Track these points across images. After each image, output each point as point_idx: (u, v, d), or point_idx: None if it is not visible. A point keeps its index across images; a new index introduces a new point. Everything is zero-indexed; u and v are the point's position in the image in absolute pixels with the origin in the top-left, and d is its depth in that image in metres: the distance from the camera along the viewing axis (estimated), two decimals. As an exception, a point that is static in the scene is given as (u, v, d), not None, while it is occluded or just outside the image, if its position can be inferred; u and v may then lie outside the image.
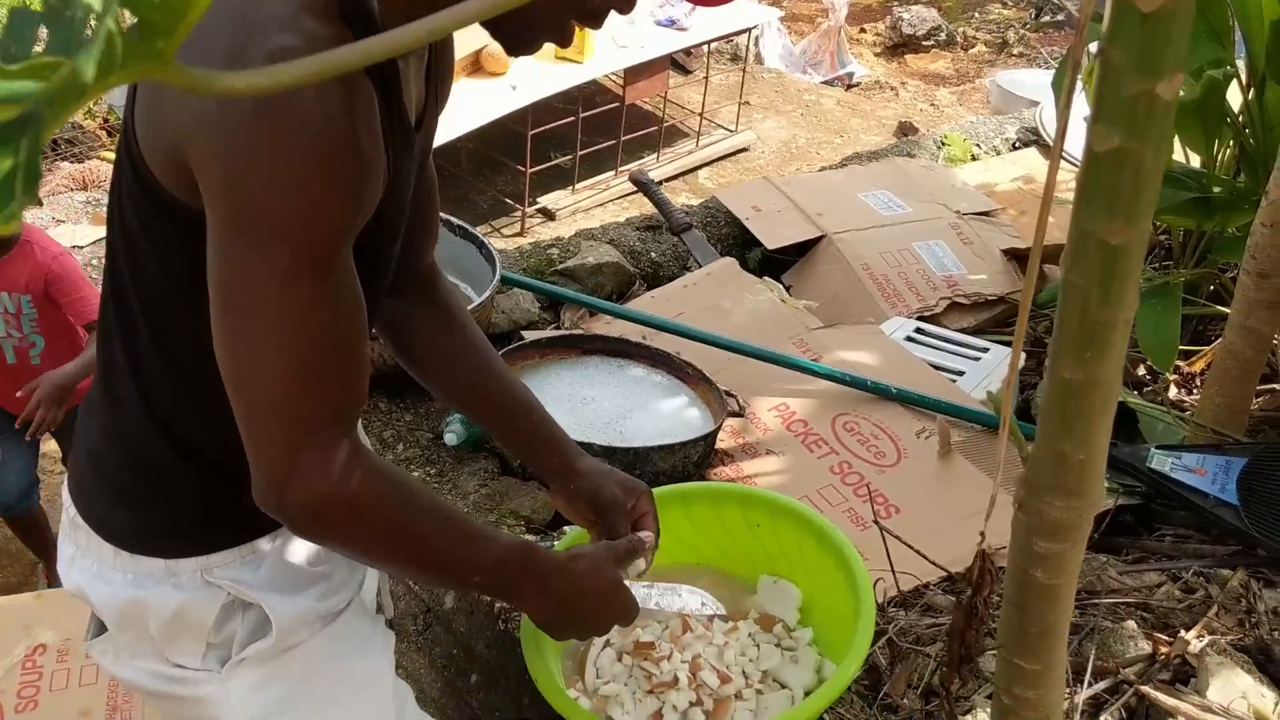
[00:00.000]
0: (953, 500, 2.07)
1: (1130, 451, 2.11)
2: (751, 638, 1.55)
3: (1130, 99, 0.87)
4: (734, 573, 1.67)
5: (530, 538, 1.94)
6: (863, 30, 8.87)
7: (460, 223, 2.53)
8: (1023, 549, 1.17)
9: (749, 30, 6.73)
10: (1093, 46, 2.12)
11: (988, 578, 1.13)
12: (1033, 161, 3.53)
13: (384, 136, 1.02)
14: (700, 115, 6.38)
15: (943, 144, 3.67)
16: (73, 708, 2.23)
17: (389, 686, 1.33)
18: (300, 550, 1.29)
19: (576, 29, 1.14)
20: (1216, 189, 2.60)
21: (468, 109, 4.98)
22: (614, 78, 5.90)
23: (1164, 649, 1.65)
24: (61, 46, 0.38)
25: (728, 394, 2.27)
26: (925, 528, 1.98)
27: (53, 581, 3.35)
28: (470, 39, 5.12)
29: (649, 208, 3.17)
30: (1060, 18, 8.91)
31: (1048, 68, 7.28)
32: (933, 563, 1.81)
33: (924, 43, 8.69)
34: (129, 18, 0.38)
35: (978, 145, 3.71)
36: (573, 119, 5.49)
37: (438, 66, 1.23)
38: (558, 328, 2.62)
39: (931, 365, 2.45)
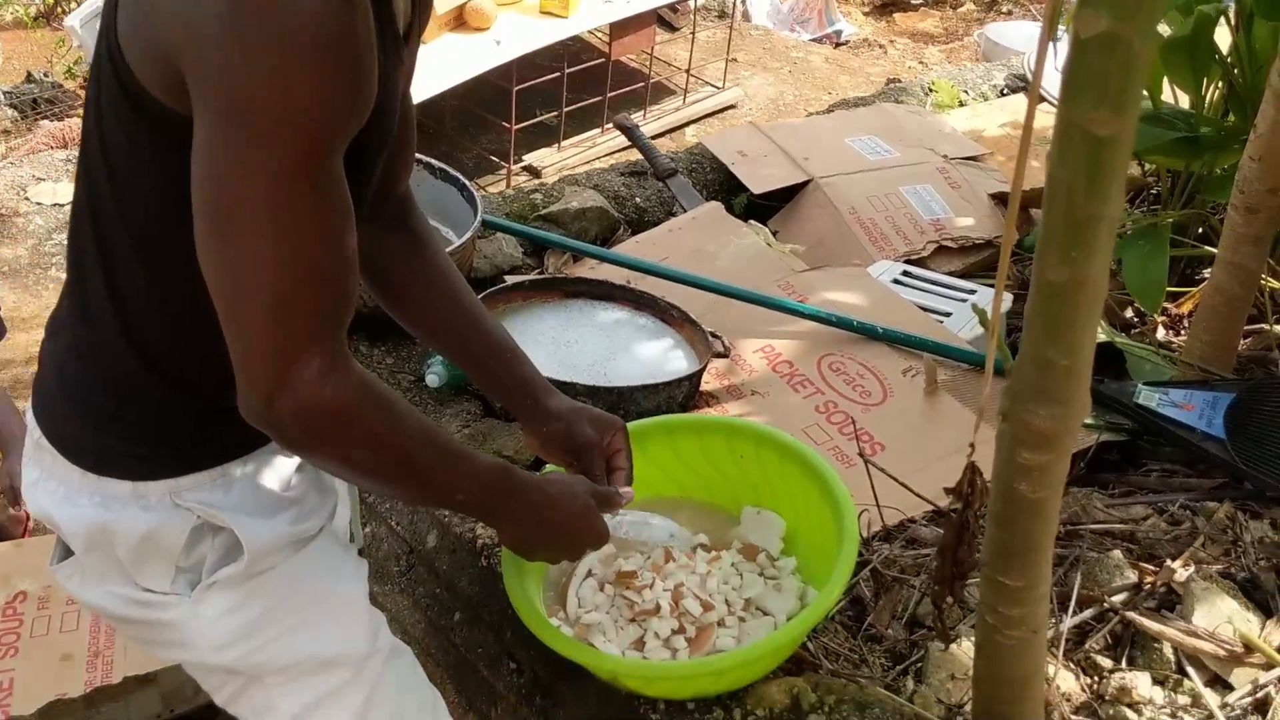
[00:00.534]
0: (939, 437, 2.06)
1: (1117, 387, 2.10)
2: (735, 567, 1.54)
3: (1117, -20, 0.85)
4: (718, 504, 1.66)
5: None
6: (851, -11, 8.80)
7: (441, 165, 2.49)
8: (1007, 461, 1.16)
9: (736, -14, 6.67)
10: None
11: (977, 490, 1.11)
12: (1020, 107, 3.49)
13: (375, 40, 0.99)
14: (687, 72, 6.32)
15: (930, 90, 3.63)
16: (54, 653, 2.21)
17: (363, 609, 1.32)
18: (272, 475, 1.26)
19: None
20: (1205, 129, 2.57)
21: (452, 65, 4.92)
22: (599, 34, 5.85)
23: (1150, 578, 1.64)
24: None
25: (713, 335, 2.24)
26: (911, 464, 1.97)
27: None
28: (453, -7, 5.06)
29: (636, 163, 3.14)
30: (1049, -25, 8.84)
31: (1040, 19, 7.23)
32: (918, 495, 1.79)
33: (913, 2, 8.62)
34: None
35: (965, 92, 3.68)
36: (558, 75, 5.43)
37: None
38: (541, 273, 2.59)
39: (919, 307, 2.43)
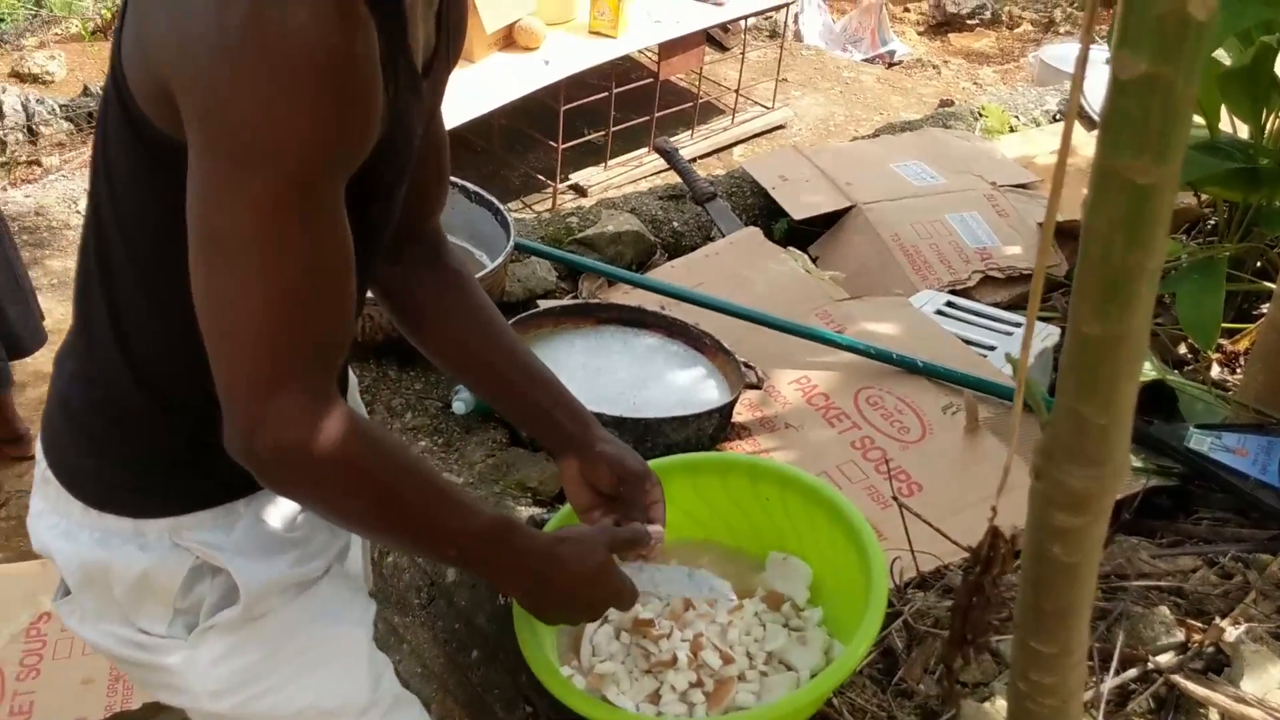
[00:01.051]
0: (978, 478, 1.98)
1: (1168, 430, 2.01)
2: (757, 616, 1.47)
3: (1159, 18, 0.79)
4: (742, 548, 1.60)
5: (536, 510, 1.87)
6: (905, 9, 8.71)
7: (475, 188, 2.46)
8: (1039, 522, 1.09)
9: (787, 5, 6.61)
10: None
11: (998, 555, 1.04)
12: (1074, 134, 3.40)
13: (385, 72, 0.96)
14: (736, 92, 6.28)
15: (980, 115, 3.55)
16: (76, 676, 2.19)
17: (364, 657, 1.27)
18: (276, 513, 1.22)
19: None
20: (1264, 160, 2.48)
21: (500, 83, 4.92)
22: (648, 53, 5.82)
23: (1197, 636, 1.56)
24: None
25: (746, 365, 2.19)
26: (948, 506, 1.90)
27: None
28: (504, 12, 5.05)
29: (680, 182, 3.09)
30: (1109, -5, 8.71)
31: (1102, 41, 7.10)
32: (954, 542, 1.72)
33: (968, 21, 8.51)
34: None
35: (1016, 117, 3.60)
36: (606, 94, 5.41)
37: (449, 13, 1.16)
38: (575, 297, 2.55)
39: (961, 339, 2.36)
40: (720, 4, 5.83)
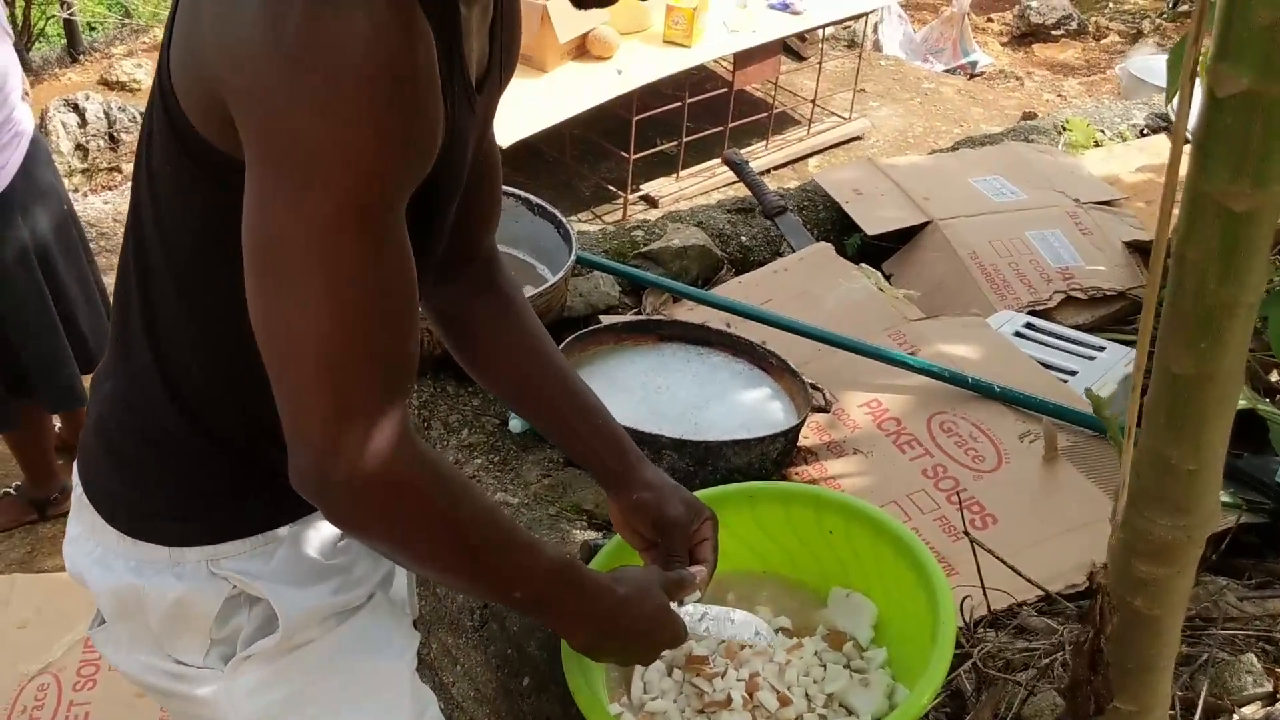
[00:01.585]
0: (1056, 511, 1.89)
1: (1258, 464, 1.90)
2: (818, 656, 1.40)
3: (1263, 30, 0.71)
4: (803, 582, 1.53)
5: (592, 534, 1.82)
6: (989, 19, 8.56)
7: (538, 201, 2.42)
8: (1121, 572, 1.01)
9: (866, 15, 6.52)
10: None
11: (1109, 615, 0.96)
12: (1163, 149, 3.28)
13: (443, 84, 0.92)
14: (813, 102, 6.20)
15: (1064, 129, 3.44)
16: (131, 689, 2.18)
17: (406, 690, 1.22)
18: (316, 540, 1.18)
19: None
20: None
21: (573, 93, 4.90)
22: (723, 63, 5.76)
23: (1290, 688, 1.46)
24: None
25: (814, 387, 2.11)
26: (1024, 540, 1.81)
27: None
28: (577, 22, 5.03)
29: (748, 194, 3.02)
30: (1200, 5, 8.45)
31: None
32: (1028, 580, 1.63)
33: (1053, 32, 8.34)
34: None
35: (1102, 131, 3.48)
36: (679, 104, 5.37)
37: (503, 27, 1.11)
38: (638, 313, 2.50)
39: (1041, 363, 2.26)
40: (798, 13, 5.76)
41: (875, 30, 7.44)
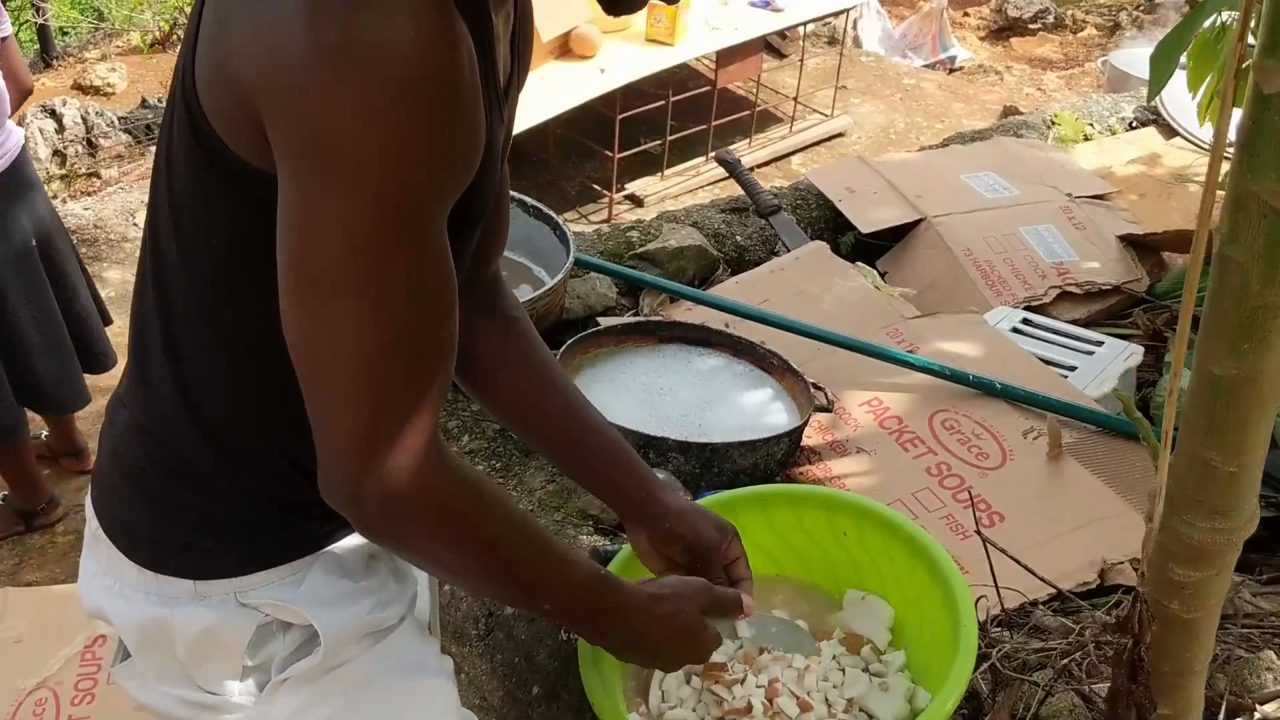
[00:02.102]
0: (1063, 508, 1.89)
1: (1271, 457, 1.89)
2: (836, 660, 1.39)
3: (1316, 25, 0.70)
4: (817, 585, 1.51)
5: (598, 539, 1.80)
6: (966, 14, 8.57)
7: (534, 203, 2.40)
8: (1157, 576, 1.00)
9: (846, 12, 6.52)
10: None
11: (1149, 623, 0.95)
12: (1152, 142, 3.28)
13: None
14: (795, 100, 6.19)
15: (1053, 123, 3.44)
16: (131, 702, 2.15)
17: (453, 710, 1.20)
18: (343, 564, 1.15)
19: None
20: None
21: (555, 92, 4.87)
22: (706, 61, 5.74)
23: (1308, 684, 1.45)
24: None
25: (815, 387, 2.10)
26: (1032, 537, 1.80)
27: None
28: (559, 21, 5.00)
29: (738, 192, 3.01)
30: (1176, -2, 8.50)
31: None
32: (1041, 579, 1.62)
33: (1030, 26, 8.36)
34: None
35: (1091, 125, 3.48)
36: (663, 103, 5.35)
37: (521, 39, 1.09)
38: (636, 314, 2.48)
39: (1039, 359, 2.26)
40: (779, 10, 5.75)
41: (854, 26, 7.44)
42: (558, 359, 1.74)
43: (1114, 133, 3.46)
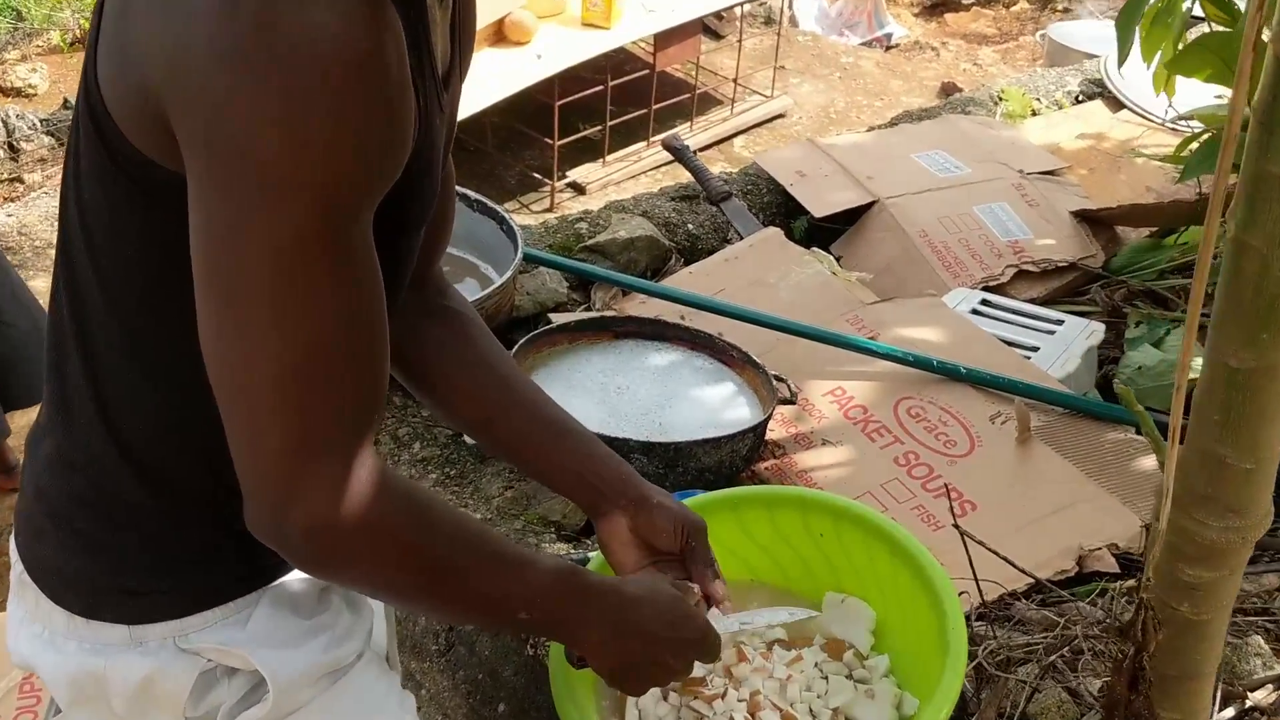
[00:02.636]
0: (1036, 493, 1.85)
1: None
2: (818, 668, 1.33)
3: (1343, -8, 0.65)
4: (795, 590, 1.45)
5: (562, 546, 1.73)
6: (900, -10, 8.56)
7: (477, 196, 2.32)
8: (1165, 577, 0.95)
9: (782, -10, 6.47)
10: None
11: (1154, 631, 0.90)
12: (1099, 116, 3.26)
13: (414, 81, 0.82)
14: (734, 81, 6.12)
15: (1000, 99, 3.41)
16: (73, 736, 2.06)
17: None
18: (291, 601, 1.07)
19: None
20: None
21: (492, 80, 4.76)
22: (643, 44, 5.66)
23: (1298, 668, 1.42)
24: None
25: (777, 379, 2.05)
26: (1005, 525, 1.76)
27: None
28: (494, 6, 4.90)
29: (684, 178, 2.94)
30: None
31: (1105, 18, 6.92)
32: (1020, 569, 1.58)
33: (964, 1, 8.36)
34: None
35: (1037, 99, 3.45)
36: (601, 88, 5.26)
37: (461, 25, 1.01)
38: (588, 309, 2.41)
39: (1002, 340, 2.22)
40: (715, -11, 5.67)
41: (790, 5, 7.38)
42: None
43: (1061, 107, 3.44)
